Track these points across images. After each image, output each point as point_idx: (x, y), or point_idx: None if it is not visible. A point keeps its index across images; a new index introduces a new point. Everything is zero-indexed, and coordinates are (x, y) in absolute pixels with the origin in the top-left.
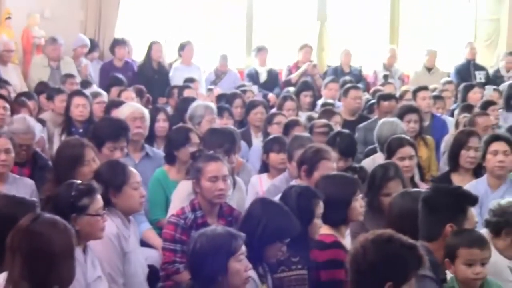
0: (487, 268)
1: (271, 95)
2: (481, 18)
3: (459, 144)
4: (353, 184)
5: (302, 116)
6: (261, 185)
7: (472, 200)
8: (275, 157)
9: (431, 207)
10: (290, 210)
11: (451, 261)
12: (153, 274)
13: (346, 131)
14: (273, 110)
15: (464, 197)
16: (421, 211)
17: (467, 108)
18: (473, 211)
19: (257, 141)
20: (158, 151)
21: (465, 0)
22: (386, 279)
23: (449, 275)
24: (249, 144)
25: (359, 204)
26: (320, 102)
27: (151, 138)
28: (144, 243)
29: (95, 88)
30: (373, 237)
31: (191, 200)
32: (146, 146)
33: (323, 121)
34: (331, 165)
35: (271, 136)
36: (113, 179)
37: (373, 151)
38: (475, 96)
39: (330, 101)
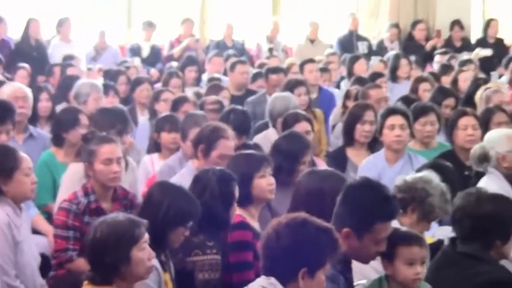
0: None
1: (153, 71)
2: None
3: (354, 118)
4: (256, 161)
5: (188, 92)
6: (152, 166)
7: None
8: (167, 137)
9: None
10: (212, 194)
11: (388, 261)
12: (43, 263)
13: (240, 107)
14: (158, 86)
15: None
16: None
17: (359, 80)
18: None
19: (143, 119)
20: (42, 131)
21: None
22: (300, 264)
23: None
24: (135, 122)
25: (265, 182)
26: (204, 77)
27: (33, 118)
28: (32, 230)
29: None
30: (287, 220)
31: (84, 184)
32: (30, 126)
33: (214, 97)
34: (229, 143)
35: (162, 115)
36: (2, 165)
37: (264, 126)
38: (360, 68)
39: (216, 75)
